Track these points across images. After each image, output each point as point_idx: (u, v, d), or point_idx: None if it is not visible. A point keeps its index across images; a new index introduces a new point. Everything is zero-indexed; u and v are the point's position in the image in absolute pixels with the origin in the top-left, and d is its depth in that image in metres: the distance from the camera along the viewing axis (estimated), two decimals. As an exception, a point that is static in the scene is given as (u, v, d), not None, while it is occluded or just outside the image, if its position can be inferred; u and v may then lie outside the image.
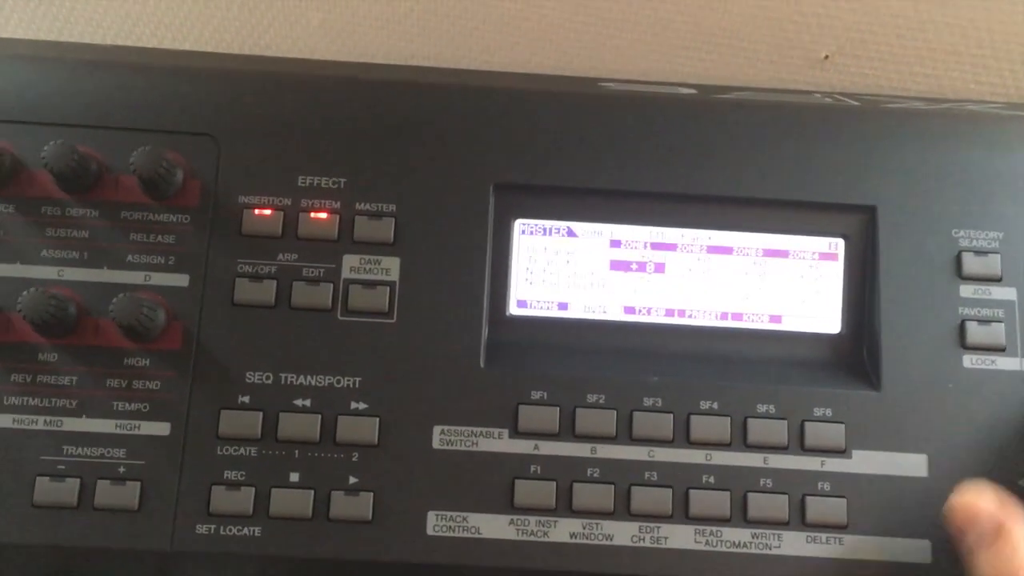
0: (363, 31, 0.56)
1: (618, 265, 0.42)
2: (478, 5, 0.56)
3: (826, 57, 0.57)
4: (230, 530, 0.38)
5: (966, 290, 0.41)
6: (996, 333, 0.40)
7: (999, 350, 0.40)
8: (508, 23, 0.56)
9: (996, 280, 0.41)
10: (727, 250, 0.42)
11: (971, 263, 0.41)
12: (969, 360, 0.40)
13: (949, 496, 0.37)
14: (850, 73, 0.58)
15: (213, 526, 0.38)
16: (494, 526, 0.38)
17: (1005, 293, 0.41)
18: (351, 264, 0.41)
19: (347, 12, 0.56)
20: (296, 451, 0.39)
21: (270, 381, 0.39)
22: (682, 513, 0.39)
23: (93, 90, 0.41)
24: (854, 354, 0.42)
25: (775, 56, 0.57)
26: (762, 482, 0.39)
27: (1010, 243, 0.41)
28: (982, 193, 0.42)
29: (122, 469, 0.38)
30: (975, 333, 0.40)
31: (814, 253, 0.42)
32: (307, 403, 0.39)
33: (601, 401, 0.40)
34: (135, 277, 0.40)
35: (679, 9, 0.56)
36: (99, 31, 0.57)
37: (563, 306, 0.42)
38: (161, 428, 0.39)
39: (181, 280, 0.40)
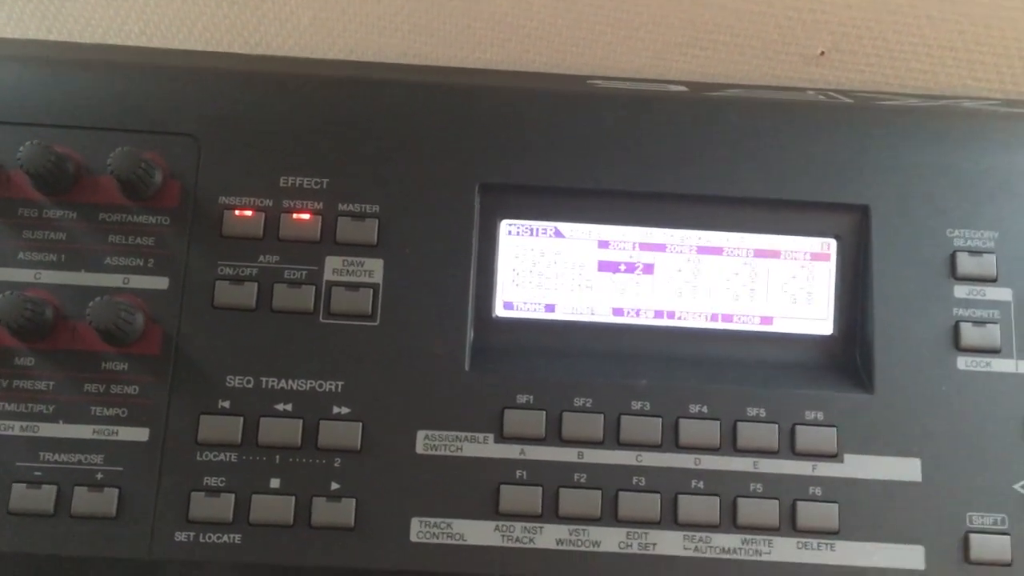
0: (354, 29, 0.56)
1: (606, 266, 0.42)
2: (470, 3, 0.55)
3: (822, 53, 0.57)
4: (209, 537, 0.37)
5: (960, 291, 0.40)
6: (991, 334, 0.40)
7: (994, 352, 0.40)
8: (500, 20, 0.55)
9: (991, 280, 0.40)
10: (717, 250, 0.42)
11: (965, 263, 0.40)
12: (963, 362, 0.40)
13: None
14: (846, 69, 0.57)
15: (192, 533, 0.37)
16: (479, 532, 0.38)
17: (1000, 294, 0.40)
18: (334, 266, 0.40)
19: (338, 9, 0.56)
20: (277, 456, 0.38)
21: (251, 385, 0.39)
22: (671, 519, 0.38)
23: (71, 89, 0.41)
24: (846, 356, 0.41)
25: (770, 52, 0.57)
26: (752, 487, 0.38)
27: (1005, 243, 0.41)
28: (977, 192, 0.41)
29: (100, 476, 0.37)
30: (969, 334, 0.40)
31: (806, 253, 0.42)
32: (288, 408, 0.38)
33: (588, 405, 0.39)
34: (113, 280, 0.39)
35: (673, 5, 0.55)
36: (87, 29, 0.56)
37: (550, 308, 0.41)
38: (139, 434, 0.38)
39: (160, 283, 0.39)
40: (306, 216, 0.40)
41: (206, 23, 0.56)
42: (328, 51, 0.56)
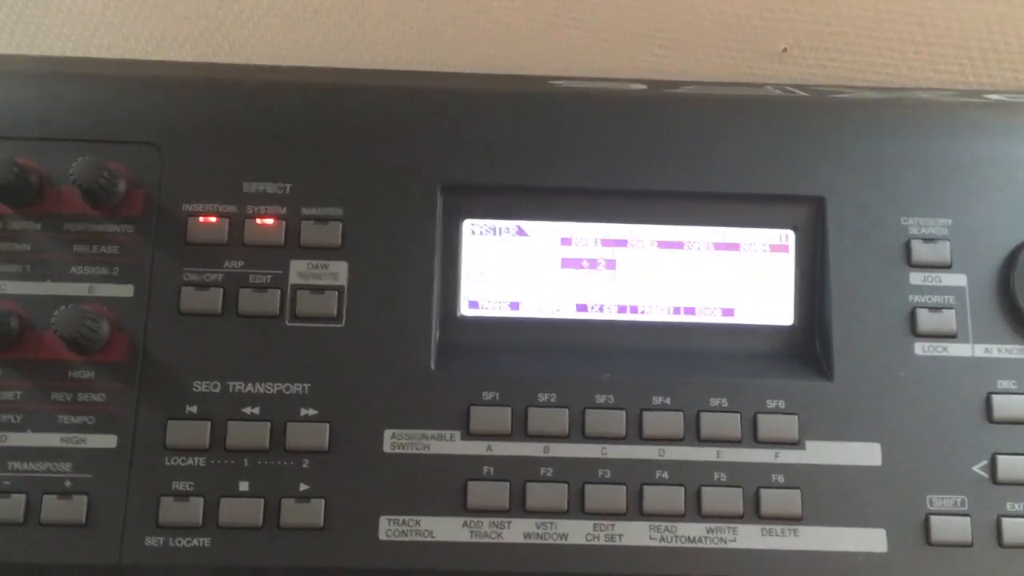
0: (322, 36, 0.56)
1: (569, 263, 0.42)
2: (437, 7, 0.55)
3: (784, 50, 0.57)
4: (179, 541, 0.37)
5: (916, 278, 0.41)
6: (947, 320, 0.40)
7: (950, 337, 0.40)
8: (466, 24, 0.56)
9: (946, 267, 0.41)
10: (678, 245, 0.42)
11: (920, 250, 0.41)
12: (920, 347, 0.40)
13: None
14: (808, 65, 0.58)
15: (162, 538, 0.37)
16: (447, 529, 0.38)
17: (955, 279, 0.41)
18: (298, 269, 0.40)
19: (304, 18, 0.56)
20: (245, 460, 0.38)
21: (218, 390, 0.39)
22: (636, 510, 0.38)
23: (32, 102, 0.41)
24: (807, 345, 0.41)
25: (734, 50, 0.57)
26: (716, 476, 0.39)
27: (959, 229, 0.41)
28: (930, 180, 0.42)
29: (68, 483, 0.38)
30: (926, 320, 0.40)
31: (765, 245, 0.42)
32: (256, 411, 0.39)
33: (553, 400, 0.39)
34: (79, 289, 0.39)
35: (637, 5, 0.56)
36: (58, 43, 0.56)
37: (515, 306, 0.42)
38: (108, 441, 0.38)
39: (126, 290, 0.39)
40: (270, 221, 0.40)
41: (174, 35, 0.57)
42: (297, 59, 0.56)
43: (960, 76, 0.58)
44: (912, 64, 0.58)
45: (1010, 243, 0.41)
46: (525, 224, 0.42)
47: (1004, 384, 0.40)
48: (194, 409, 0.39)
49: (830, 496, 0.39)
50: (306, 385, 0.39)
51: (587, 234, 0.42)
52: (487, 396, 0.39)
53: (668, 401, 0.39)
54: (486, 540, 0.38)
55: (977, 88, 0.57)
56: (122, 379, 0.39)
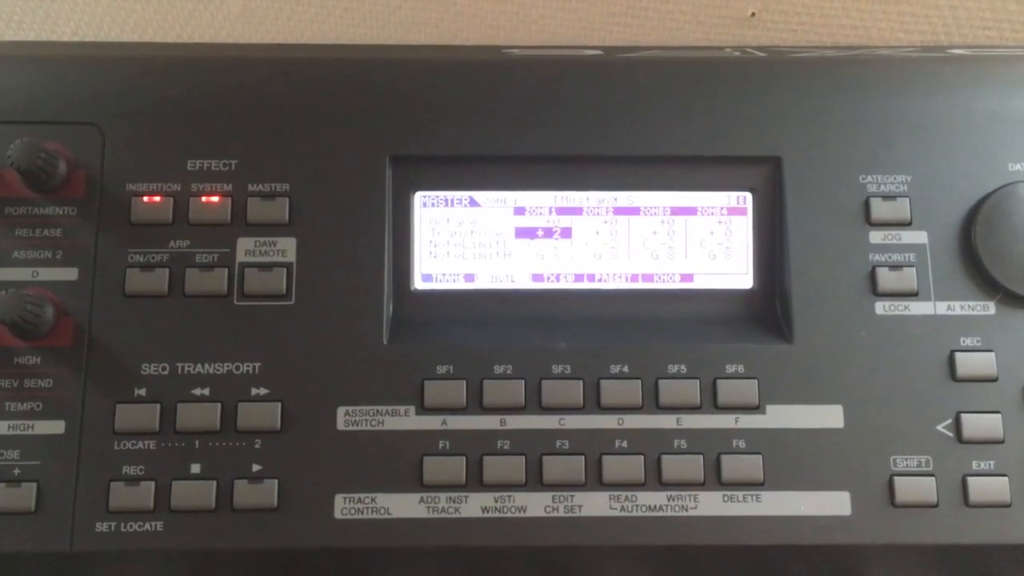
0: (286, 15, 0.55)
1: (524, 232, 0.41)
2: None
3: (752, 14, 0.56)
4: (131, 526, 0.37)
5: (875, 236, 0.40)
6: (908, 278, 0.40)
7: (911, 295, 0.40)
8: (431, -1, 0.55)
9: (906, 224, 0.40)
10: (634, 211, 0.41)
11: (879, 208, 0.40)
12: (882, 307, 0.39)
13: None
14: (778, 29, 0.57)
15: (113, 523, 0.37)
16: (404, 505, 0.38)
17: (915, 237, 0.40)
18: (246, 247, 0.39)
19: (267, -1, 0.55)
20: (196, 441, 0.38)
21: (167, 372, 0.38)
22: (596, 480, 0.38)
23: (-31, 84, 0.40)
24: (767, 308, 0.41)
25: (702, 16, 0.57)
26: (676, 443, 0.38)
27: (918, 186, 0.40)
28: (888, 137, 0.41)
29: (17, 471, 0.37)
30: (886, 279, 0.39)
31: (722, 208, 0.41)
32: (206, 392, 0.38)
33: (508, 372, 0.39)
34: (22, 274, 0.39)
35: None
36: (20, 31, 0.56)
37: (470, 278, 0.41)
38: (55, 427, 0.38)
39: (70, 274, 0.39)
40: (215, 198, 0.40)
41: (137, 19, 0.56)
42: (262, 39, 0.55)
43: (931, 35, 0.57)
44: (882, 24, 0.57)
45: (971, 198, 0.40)
46: (477, 194, 0.41)
47: (967, 341, 0.39)
48: (143, 392, 0.38)
49: (792, 460, 0.38)
50: (257, 364, 0.38)
51: (541, 202, 0.41)
52: (441, 370, 0.39)
53: (626, 369, 0.39)
54: (443, 515, 0.37)
55: (946, 45, 0.56)
56: (69, 364, 0.38)
